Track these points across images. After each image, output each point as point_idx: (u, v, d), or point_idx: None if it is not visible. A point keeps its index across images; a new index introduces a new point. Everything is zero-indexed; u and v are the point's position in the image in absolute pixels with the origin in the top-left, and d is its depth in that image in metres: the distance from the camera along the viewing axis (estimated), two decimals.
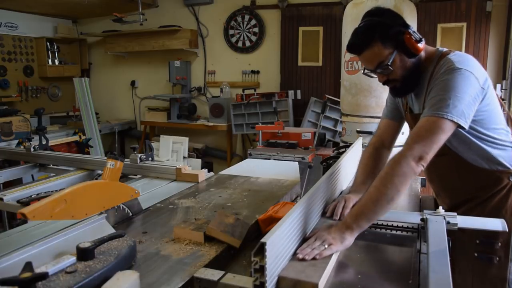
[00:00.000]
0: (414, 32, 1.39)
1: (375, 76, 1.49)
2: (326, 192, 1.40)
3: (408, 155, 1.23)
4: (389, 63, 1.39)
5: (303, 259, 1.03)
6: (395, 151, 1.47)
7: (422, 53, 1.45)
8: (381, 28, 1.38)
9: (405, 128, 1.64)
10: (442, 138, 1.27)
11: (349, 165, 1.83)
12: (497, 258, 1.47)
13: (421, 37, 1.40)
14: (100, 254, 1.00)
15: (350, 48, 1.45)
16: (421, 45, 1.40)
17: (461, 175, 1.52)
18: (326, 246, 1.11)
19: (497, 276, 1.48)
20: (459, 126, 1.28)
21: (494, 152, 1.44)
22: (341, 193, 1.64)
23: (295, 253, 1.06)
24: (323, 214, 1.38)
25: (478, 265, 1.49)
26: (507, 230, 1.22)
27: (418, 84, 1.48)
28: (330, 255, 1.07)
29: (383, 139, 1.68)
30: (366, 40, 1.39)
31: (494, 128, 1.44)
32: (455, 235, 1.31)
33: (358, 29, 1.43)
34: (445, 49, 1.46)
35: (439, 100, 1.29)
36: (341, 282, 0.99)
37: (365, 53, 1.41)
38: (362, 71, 1.52)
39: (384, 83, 1.49)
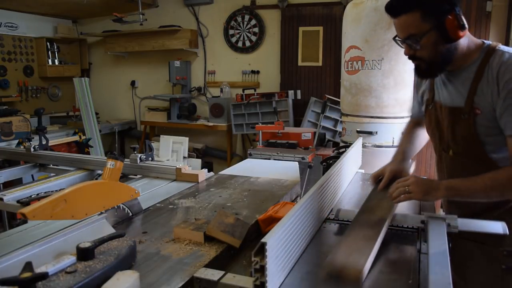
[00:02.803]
0: (458, 15, 1.28)
1: (403, 47, 1.39)
2: (326, 192, 1.40)
3: None
4: (418, 39, 1.30)
5: (390, 196, 1.30)
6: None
7: (464, 42, 1.34)
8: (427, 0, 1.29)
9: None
10: None
11: (349, 165, 1.83)
12: None
13: (464, 23, 1.29)
14: (100, 254, 1.00)
15: (387, 8, 1.36)
16: (462, 32, 1.30)
17: None
18: (407, 191, 1.28)
19: None
20: None
21: None
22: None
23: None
24: (374, 189, 1.49)
25: (506, 277, 1.41)
26: (507, 233, 1.19)
27: (443, 71, 1.41)
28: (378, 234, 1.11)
29: (418, 121, 1.72)
30: (407, 5, 1.29)
31: None
32: (479, 249, 1.34)
33: None
34: (490, 42, 1.38)
35: None
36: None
37: (400, 18, 1.32)
38: (393, 37, 1.42)
39: (409, 58, 1.39)
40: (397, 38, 1.39)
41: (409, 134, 1.73)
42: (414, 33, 1.30)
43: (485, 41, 1.38)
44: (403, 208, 1.56)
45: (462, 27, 1.29)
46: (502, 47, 1.33)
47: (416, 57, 1.36)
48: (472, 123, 1.35)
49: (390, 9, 1.35)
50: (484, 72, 1.31)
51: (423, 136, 1.72)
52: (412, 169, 1.67)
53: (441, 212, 1.24)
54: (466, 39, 1.35)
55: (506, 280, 1.40)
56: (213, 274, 1.01)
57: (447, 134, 1.46)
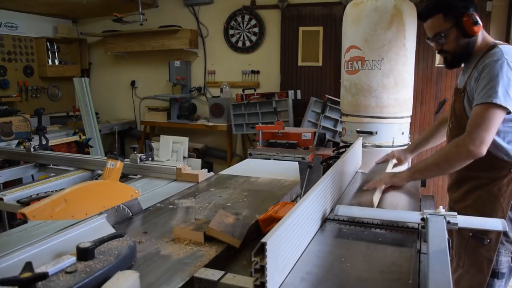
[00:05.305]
0: (472, 14, 1.59)
1: (433, 44, 1.72)
2: (327, 192, 1.40)
3: (467, 141, 1.50)
4: (443, 35, 1.64)
5: (366, 189, 1.55)
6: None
7: (479, 39, 1.65)
8: (446, 4, 1.62)
9: (405, 128, 1.70)
10: (497, 120, 1.49)
11: (349, 165, 1.83)
12: (488, 240, 1.61)
13: (478, 21, 1.60)
14: (100, 254, 1.00)
15: (418, 15, 1.80)
16: (477, 28, 1.60)
17: None
18: (379, 179, 1.60)
19: (485, 256, 1.62)
20: (507, 110, 1.48)
21: (505, 144, 1.59)
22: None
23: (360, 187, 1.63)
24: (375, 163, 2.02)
25: (471, 243, 1.65)
26: (507, 229, 1.25)
27: (465, 62, 1.72)
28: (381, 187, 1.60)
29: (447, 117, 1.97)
30: (431, 11, 1.65)
31: None
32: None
33: (430, 1, 1.70)
34: (499, 42, 1.65)
35: (489, 88, 1.50)
36: (341, 282, 0.98)
37: (428, 21, 1.68)
38: (426, 38, 1.77)
39: (438, 52, 1.73)
40: (427, 38, 1.74)
41: (431, 129, 2.07)
42: (439, 31, 1.65)
43: (496, 41, 1.65)
44: (404, 206, 1.56)
45: (476, 24, 1.59)
46: (503, 45, 1.58)
47: (443, 50, 1.70)
48: (462, 100, 1.66)
49: (420, 16, 1.74)
50: (479, 62, 1.60)
51: (442, 134, 1.99)
52: (409, 161, 2.10)
53: (441, 210, 1.25)
54: (481, 37, 1.65)
55: (470, 245, 1.66)
56: (213, 274, 1.01)
57: (451, 110, 1.77)
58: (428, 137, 2.05)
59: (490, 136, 1.49)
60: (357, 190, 1.64)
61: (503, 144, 1.59)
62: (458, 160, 1.53)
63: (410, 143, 3.12)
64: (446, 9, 1.62)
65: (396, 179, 1.63)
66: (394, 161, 2.05)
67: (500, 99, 1.47)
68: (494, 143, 1.59)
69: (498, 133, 1.58)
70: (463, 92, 1.66)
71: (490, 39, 1.68)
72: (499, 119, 1.50)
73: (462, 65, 1.76)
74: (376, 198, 1.50)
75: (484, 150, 1.48)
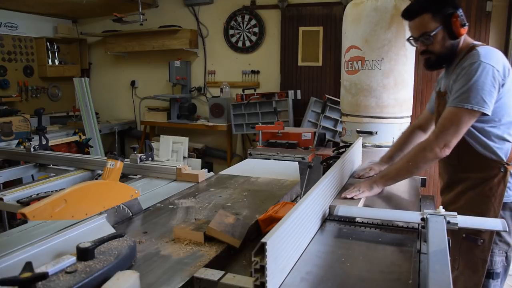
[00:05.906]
0: (461, 16, 1.58)
1: (416, 45, 1.70)
2: (327, 192, 1.40)
3: (433, 143, 1.54)
4: (431, 34, 1.60)
5: (345, 198, 1.50)
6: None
7: (462, 41, 1.64)
8: (436, 3, 1.59)
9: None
10: (464, 126, 1.52)
11: (349, 165, 1.83)
12: (482, 240, 1.62)
13: (465, 22, 1.60)
14: (100, 254, 1.00)
15: (403, 14, 1.67)
16: (464, 30, 1.59)
17: (460, 153, 1.66)
18: (360, 191, 1.55)
19: (479, 257, 1.63)
20: (482, 113, 1.50)
21: (492, 144, 1.61)
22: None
23: (339, 193, 1.57)
24: (352, 176, 1.88)
25: (465, 244, 1.65)
26: (507, 230, 1.23)
27: (448, 64, 1.70)
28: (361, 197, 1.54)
29: (421, 123, 1.99)
30: (419, 9, 1.61)
31: (500, 120, 1.58)
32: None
33: None
34: (479, 43, 1.64)
35: (462, 92, 1.51)
36: (341, 282, 0.98)
37: (415, 20, 1.63)
38: (407, 38, 1.75)
39: (421, 53, 1.70)
40: (410, 38, 1.70)
41: (403, 138, 2.03)
42: (426, 31, 1.61)
43: (475, 42, 1.66)
44: (404, 206, 1.56)
45: (464, 26, 1.59)
46: (481, 47, 1.58)
47: (428, 51, 1.66)
48: (446, 103, 1.64)
49: (406, 14, 1.66)
50: (458, 64, 1.61)
51: (416, 142, 1.91)
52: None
53: (441, 210, 1.25)
54: (463, 39, 1.65)
55: (464, 247, 1.66)
56: (213, 274, 1.01)
57: (436, 114, 1.76)
58: (401, 146, 1.99)
59: (455, 140, 1.53)
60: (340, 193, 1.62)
61: (490, 143, 1.60)
62: (425, 162, 1.58)
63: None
64: (436, 8, 1.59)
65: (376, 187, 1.61)
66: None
67: (472, 104, 1.49)
68: (482, 143, 1.61)
69: (484, 134, 1.60)
70: (446, 94, 1.68)
71: (470, 40, 1.67)
72: (469, 123, 1.53)
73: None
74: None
75: (447, 152, 1.53)
